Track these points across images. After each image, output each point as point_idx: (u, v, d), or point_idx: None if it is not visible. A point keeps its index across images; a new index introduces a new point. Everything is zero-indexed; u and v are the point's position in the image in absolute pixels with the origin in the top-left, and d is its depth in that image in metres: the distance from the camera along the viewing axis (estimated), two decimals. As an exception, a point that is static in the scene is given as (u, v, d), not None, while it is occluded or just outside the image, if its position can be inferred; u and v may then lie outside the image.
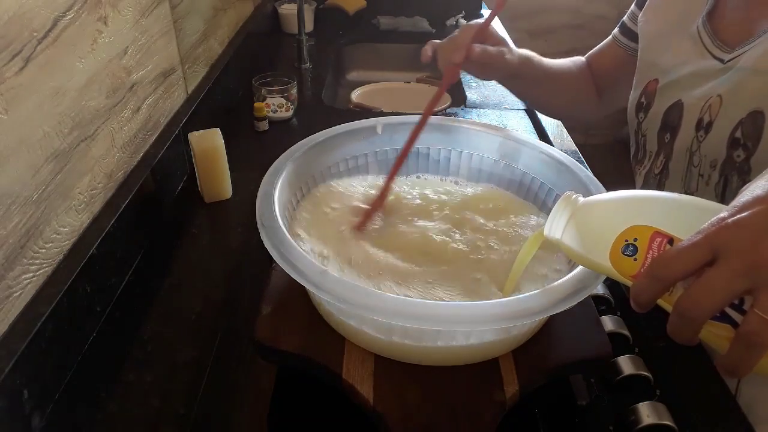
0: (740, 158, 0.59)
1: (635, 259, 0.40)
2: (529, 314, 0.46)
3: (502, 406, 0.49)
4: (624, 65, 0.84)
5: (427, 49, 0.77)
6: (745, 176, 0.59)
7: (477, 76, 0.78)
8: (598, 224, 0.44)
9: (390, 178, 0.64)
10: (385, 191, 0.64)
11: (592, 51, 0.93)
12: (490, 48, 0.73)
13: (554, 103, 0.93)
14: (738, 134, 0.59)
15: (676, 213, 0.41)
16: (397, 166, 0.65)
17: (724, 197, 0.62)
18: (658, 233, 0.39)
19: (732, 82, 0.61)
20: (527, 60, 0.81)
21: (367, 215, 0.62)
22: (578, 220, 0.45)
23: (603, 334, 0.55)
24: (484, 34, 0.72)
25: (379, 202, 0.64)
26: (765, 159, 0.57)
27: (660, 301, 0.38)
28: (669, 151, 0.70)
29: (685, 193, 0.67)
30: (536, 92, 0.90)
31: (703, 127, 0.64)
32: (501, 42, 0.77)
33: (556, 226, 0.46)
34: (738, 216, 0.35)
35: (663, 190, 0.71)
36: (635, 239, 0.40)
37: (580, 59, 0.94)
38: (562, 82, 0.89)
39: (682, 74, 0.68)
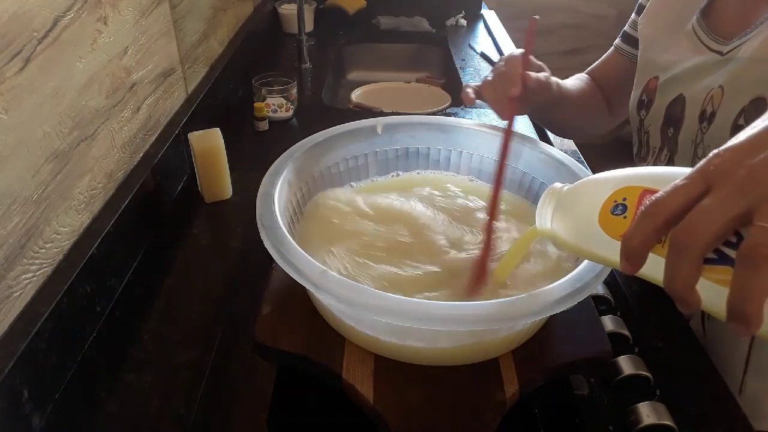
0: None
1: (625, 217, 0.37)
2: (528, 314, 0.46)
3: (502, 406, 0.49)
4: (628, 73, 0.84)
5: (469, 92, 0.72)
6: None
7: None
8: (585, 200, 0.42)
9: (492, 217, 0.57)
10: (489, 230, 0.57)
11: (593, 65, 0.92)
12: (540, 75, 0.70)
13: (572, 124, 0.92)
14: (741, 121, 0.60)
15: (665, 177, 0.37)
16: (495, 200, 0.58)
17: None
18: (648, 191, 0.37)
19: (732, 73, 0.62)
20: (557, 84, 0.78)
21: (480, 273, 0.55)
22: (565, 205, 0.44)
23: (603, 334, 0.55)
24: (529, 60, 0.69)
25: (488, 249, 0.56)
26: None
27: (652, 255, 0.35)
28: (673, 145, 0.70)
29: None
30: (559, 115, 0.87)
31: (707, 118, 0.64)
32: (541, 68, 0.74)
33: (545, 217, 0.46)
34: (730, 143, 0.33)
35: None
36: (624, 199, 0.38)
37: (584, 76, 0.92)
38: (578, 102, 0.88)
39: (681, 69, 0.69)
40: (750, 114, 0.59)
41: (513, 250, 0.53)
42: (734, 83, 0.61)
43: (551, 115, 0.87)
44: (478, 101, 0.73)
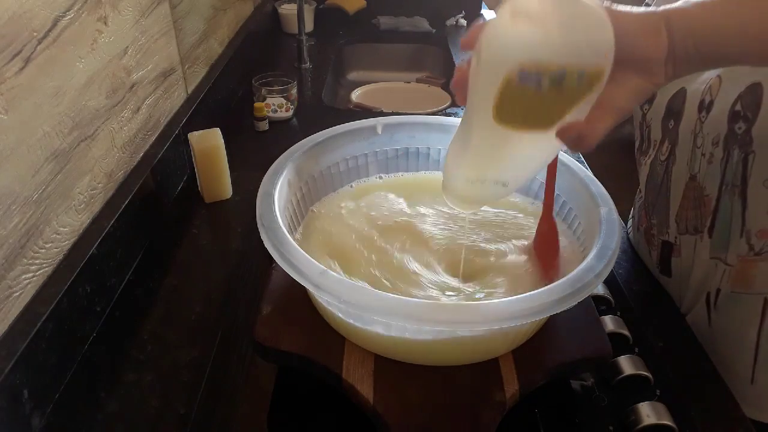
0: (741, 130, 0.60)
1: None
2: (529, 314, 0.46)
3: (502, 406, 0.49)
4: None
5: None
6: (747, 147, 0.60)
7: None
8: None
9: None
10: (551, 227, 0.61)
11: None
12: None
13: None
14: (738, 107, 0.61)
15: None
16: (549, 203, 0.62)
17: (725, 172, 0.63)
18: None
19: None
20: None
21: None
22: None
23: (603, 334, 0.55)
24: None
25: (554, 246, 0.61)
26: (765, 127, 0.58)
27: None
28: (674, 136, 0.71)
29: (690, 175, 0.67)
30: None
31: (705, 107, 0.65)
32: None
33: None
34: None
35: (670, 175, 0.71)
36: None
37: None
38: None
39: None
40: (746, 99, 0.60)
41: None
42: (731, 71, 0.62)
43: None
44: None
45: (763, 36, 0.41)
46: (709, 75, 0.65)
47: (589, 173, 0.62)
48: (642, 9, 0.41)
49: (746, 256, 0.64)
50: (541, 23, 0.38)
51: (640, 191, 0.80)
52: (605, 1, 0.40)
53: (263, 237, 0.52)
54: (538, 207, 0.68)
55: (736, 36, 0.41)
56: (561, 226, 0.64)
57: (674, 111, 0.70)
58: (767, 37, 0.41)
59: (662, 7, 0.41)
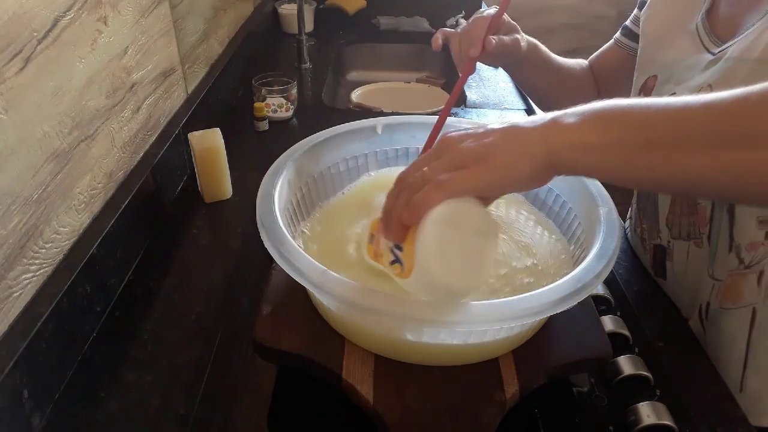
0: None
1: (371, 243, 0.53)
2: (529, 314, 0.46)
3: (502, 406, 0.49)
4: (626, 66, 0.85)
5: (438, 38, 0.77)
6: None
7: (486, 64, 0.79)
8: None
9: None
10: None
11: (594, 54, 0.94)
12: (505, 38, 0.73)
13: (552, 95, 0.94)
14: None
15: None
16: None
17: None
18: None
19: (720, 72, 0.63)
20: (534, 47, 0.82)
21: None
22: None
23: (603, 334, 0.55)
24: (498, 24, 0.72)
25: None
26: None
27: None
28: None
29: None
30: (537, 81, 0.91)
31: None
32: (514, 29, 0.77)
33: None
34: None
35: None
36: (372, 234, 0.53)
37: (582, 61, 0.94)
38: (563, 76, 0.90)
39: (677, 69, 0.70)
40: None
41: None
42: (722, 82, 0.62)
43: (525, 76, 0.91)
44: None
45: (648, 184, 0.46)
46: (701, 83, 0.65)
47: (589, 173, 0.62)
48: (536, 126, 0.46)
49: (736, 270, 0.64)
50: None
51: (635, 194, 0.80)
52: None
53: (263, 237, 0.52)
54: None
55: (624, 181, 0.45)
56: (561, 226, 0.64)
57: None
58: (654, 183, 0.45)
59: (562, 120, 0.46)
